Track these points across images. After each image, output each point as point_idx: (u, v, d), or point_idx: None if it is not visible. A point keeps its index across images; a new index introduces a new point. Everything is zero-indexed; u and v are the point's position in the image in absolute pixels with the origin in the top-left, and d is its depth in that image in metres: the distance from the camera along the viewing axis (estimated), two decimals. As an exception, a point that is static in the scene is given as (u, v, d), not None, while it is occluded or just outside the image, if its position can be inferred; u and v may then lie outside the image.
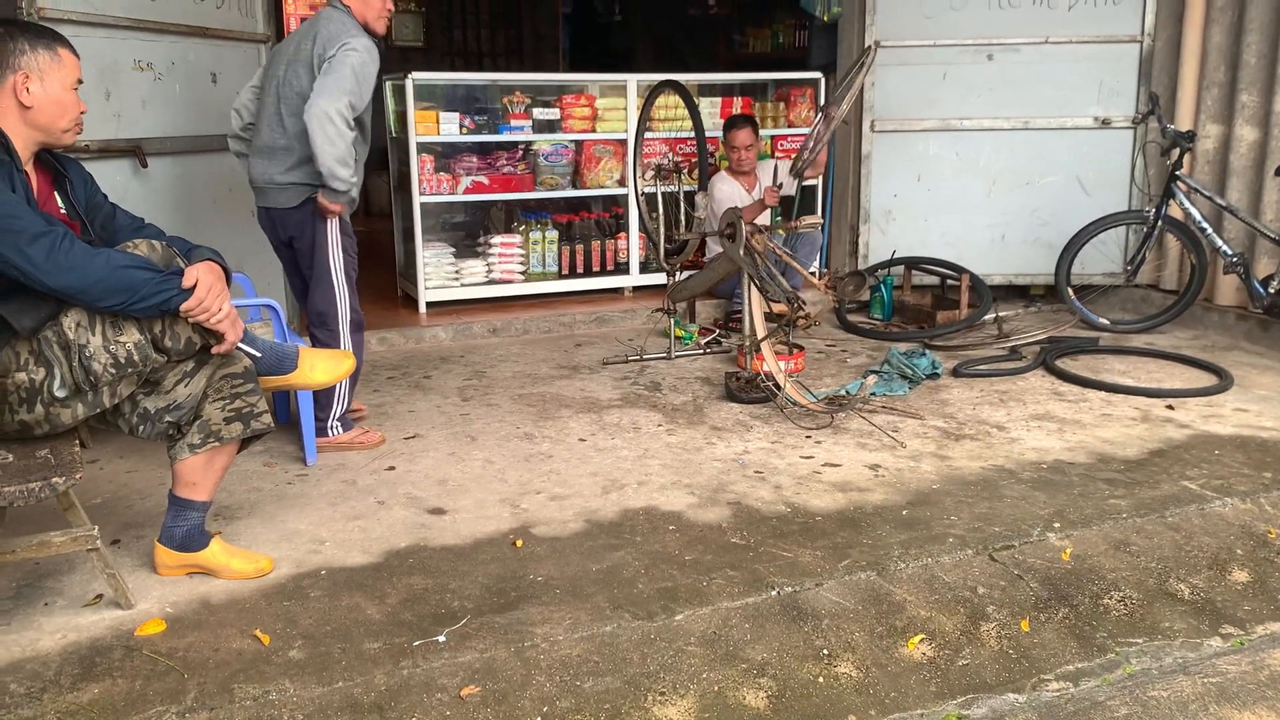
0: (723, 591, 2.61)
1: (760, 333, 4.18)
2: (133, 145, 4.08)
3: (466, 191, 5.69)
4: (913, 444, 3.69)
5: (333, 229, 3.57)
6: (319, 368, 2.78)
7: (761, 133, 6.21)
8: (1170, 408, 4.08)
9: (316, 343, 3.65)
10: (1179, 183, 5.14)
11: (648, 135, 5.67)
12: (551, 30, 11.60)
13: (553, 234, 5.85)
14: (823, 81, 6.25)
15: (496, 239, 5.79)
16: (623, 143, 5.90)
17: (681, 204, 5.02)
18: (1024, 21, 5.75)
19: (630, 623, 2.47)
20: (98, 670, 2.26)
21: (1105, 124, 5.80)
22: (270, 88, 3.54)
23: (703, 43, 10.40)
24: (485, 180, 5.71)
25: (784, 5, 8.44)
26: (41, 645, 2.36)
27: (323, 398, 3.56)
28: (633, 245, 6.00)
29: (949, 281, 5.74)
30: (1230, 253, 5.04)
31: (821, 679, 2.39)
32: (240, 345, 2.59)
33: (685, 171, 5.17)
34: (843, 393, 4.21)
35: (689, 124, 4.95)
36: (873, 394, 4.21)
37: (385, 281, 6.20)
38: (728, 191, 5.39)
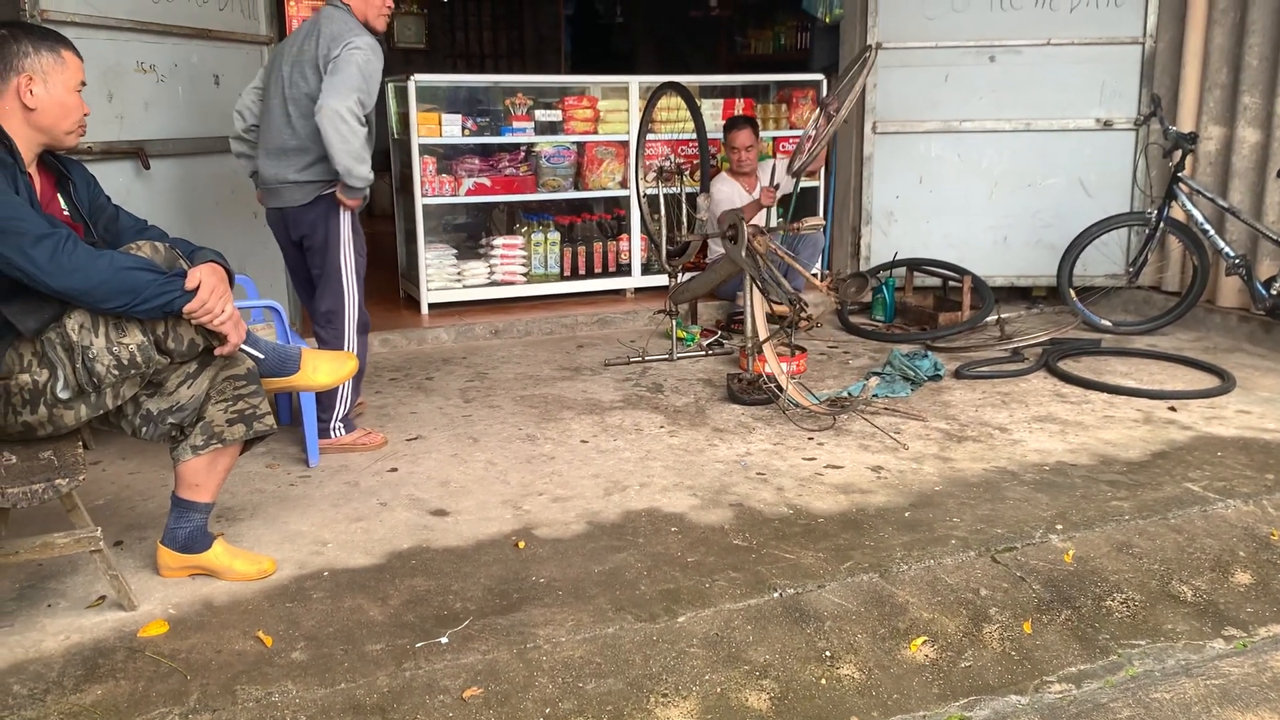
0: (725, 593, 2.61)
1: (762, 334, 4.18)
2: (135, 147, 4.09)
3: (469, 193, 5.70)
4: (915, 446, 3.69)
5: (345, 227, 3.59)
6: (322, 369, 2.78)
7: (764, 134, 6.21)
8: (1173, 409, 4.08)
9: (321, 343, 3.65)
10: (1181, 184, 5.14)
11: (649, 137, 5.67)
12: (553, 32, 11.62)
13: (555, 235, 5.86)
14: (825, 83, 6.25)
15: (498, 240, 5.80)
16: (625, 144, 5.91)
17: (683, 205, 5.03)
18: (1026, 23, 5.75)
19: (632, 624, 2.47)
20: (101, 671, 2.27)
21: (1107, 126, 5.80)
22: (275, 89, 3.55)
23: (704, 44, 10.40)
24: (487, 182, 5.72)
25: (786, 7, 8.44)
26: (45, 646, 2.36)
27: (325, 399, 3.56)
28: (634, 247, 6.00)
29: (951, 283, 5.74)
30: (1232, 254, 5.04)
31: (824, 681, 2.39)
32: (243, 347, 2.59)
33: (687, 173, 5.17)
34: (845, 394, 4.21)
35: (691, 126, 4.95)
36: (875, 395, 4.20)
37: (387, 283, 6.20)
38: (727, 193, 5.40)
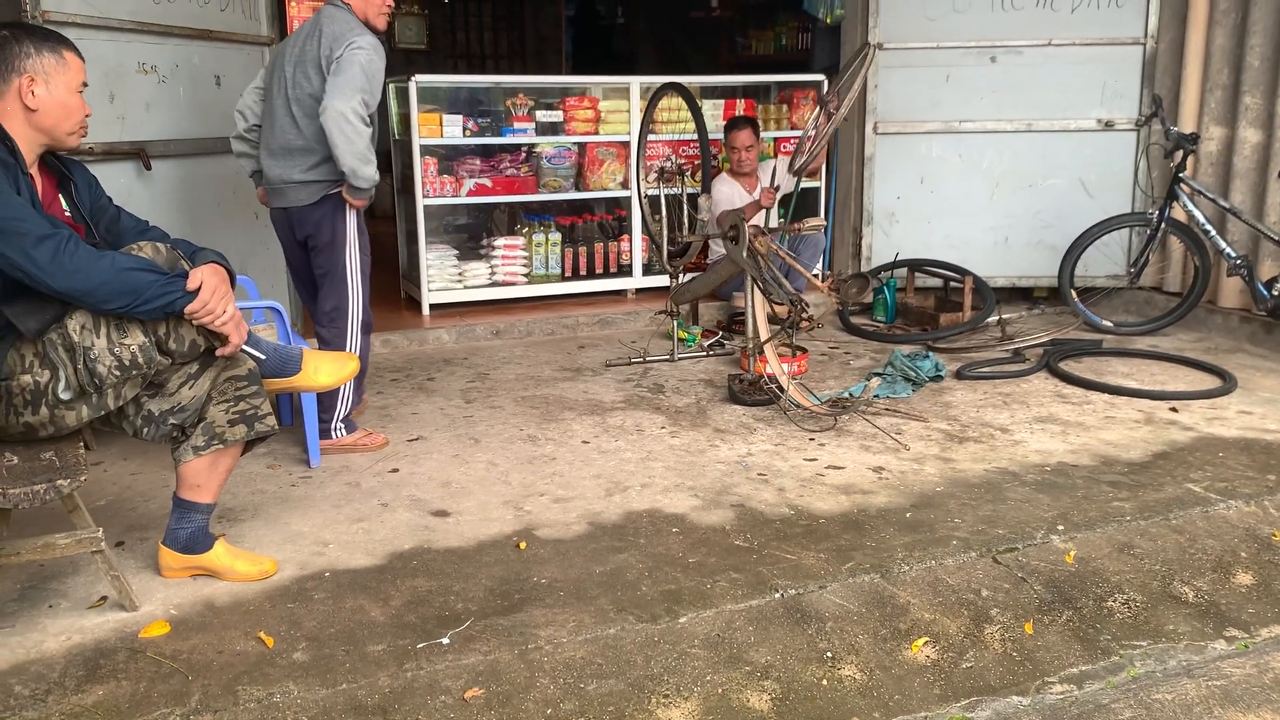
0: (726, 594, 2.61)
1: (763, 335, 4.18)
2: (137, 148, 4.09)
3: (470, 194, 5.70)
4: (916, 446, 3.69)
5: (351, 226, 3.59)
6: (323, 370, 2.78)
7: (765, 135, 6.21)
8: (1174, 410, 4.08)
9: (324, 342, 3.65)
10: (1182, 185, 5.13)
11: (651, 137, 5.67)
12: (554, 33, 11.62)
13: (556, 236, 5.86)
14: (826, 84, 6.25)
15: (499, 241, 5.80)
16: (626, 145, 5.91)
17: (685, 206, 5.03)
18: (1027, 24, 5.75)
19: (634, 625, 2.47)
20: (102, 672, 2.27)
21: (1108, 126, 5.80)
22: (278, 90, 3.55)
23: (705, 45, 10.41)
24: (488, 182, 5.72)
25: (787, 7, 8.45)
26: (46, 647, 2.36)
27: (326, 400, 3.56)
28: (636, 247, 6.00)
29: (952, 284, 5.74)
30: (1234, 255, 5.03)
31: (825, 682, 2.39)
32: (244, 348, 2.59)
33: (688, 174, 5.17)
34: (846, 395, 4.21)
35: (692, 126, 4.95)
36: (876, 396, 4.20)
37: (388, 283, 6.21)
38: (728, 193, 5.39)
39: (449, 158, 5.73)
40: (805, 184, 6.10)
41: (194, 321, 2.40)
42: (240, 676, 2.25)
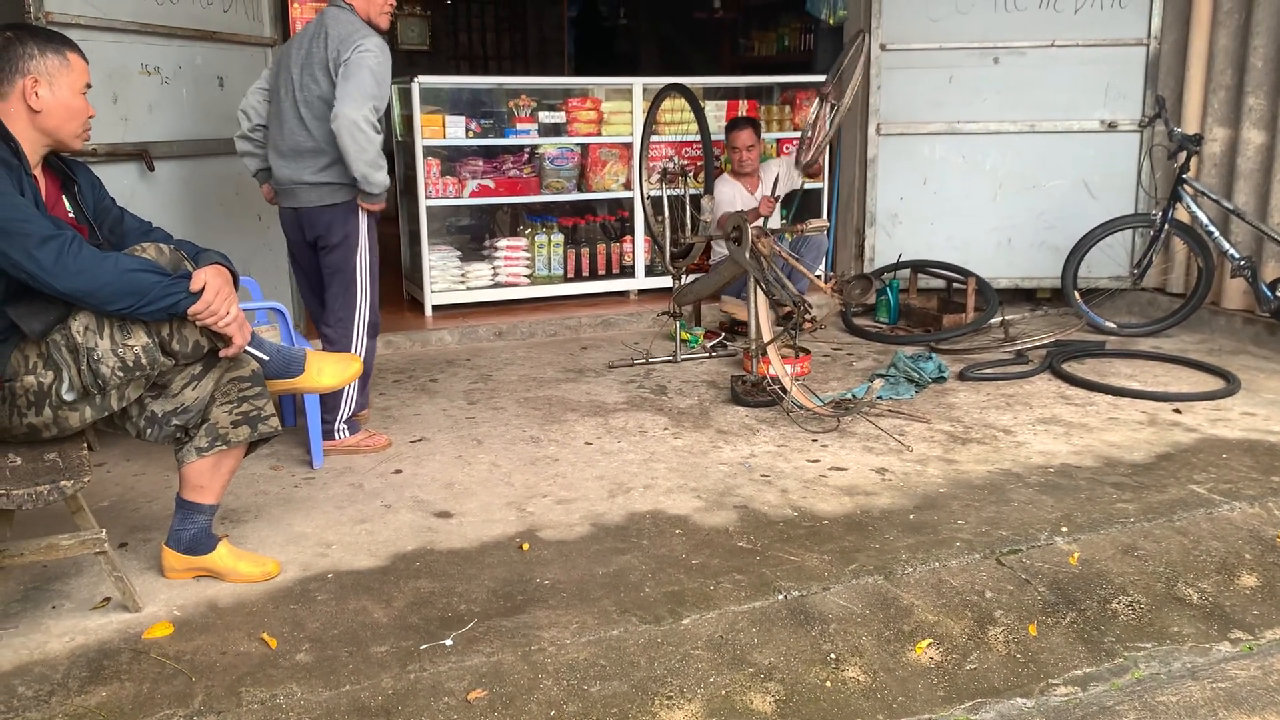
0: (730, 595, 2.61)
1: (766, 336, 4.18)
2: (140, 149, 4.09)
3: (472, 195, 5.70)
4: (919, 448, 3.68)
5: (363, 228, 3.61)
6: (326, 371, 2.78)
7: (768, 136, 6.21)
8: (1177, 411, 4.07)
9: (329, 342, 3.65)
10: (1186, 186, 5.13)
11: (653, 138, 5.67)
12: (557, 34, 11.62)
13: (558, 237, 5.86)
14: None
15: (502, 242, 5.80)
16: (628, 146, 5.91)
17: (687, 207, 5.03)
18: (1030, 24, 5.75)
19: (637, 627, 2.46)
20: (105, 673, 2.27)
21: (1111, 127, 5.80)
22: (285, 92, 3.55)
23: (708, 46, 10.41)
24: (491, 184, 5.72)
25: (789, 8, 8.44)
26: (49, 648, 2.36)
27: (330, 401, 3.56)
28: (638, 249, 6.00)
29: (955, 285, 5.74)
30: (1237, 256, 5.03)
31: (829, 683, 2.39)
32: (248, 349, 2.59)
33: (691, 175, 5.17)
34: (849, 396, 4.21)
35: (695, 127, 4.95)
36: (879, 397, 4.20)
37: (391, 284, 6.19)
38: (729, 194, 5.39)
39: (452, 159, 5.73)
40: (807, 185, 6.11)
41: (197, 322, 2.40)
42: (243, 678, 2.25)
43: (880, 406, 4.12)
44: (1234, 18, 5.30)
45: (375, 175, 3.44)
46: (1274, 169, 5.14)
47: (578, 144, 5.89)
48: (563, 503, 3.21)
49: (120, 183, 3.91)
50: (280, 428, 2.68)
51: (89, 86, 2.48)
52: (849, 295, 4.41)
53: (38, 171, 2.43)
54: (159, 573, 2.70)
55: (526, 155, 5.87)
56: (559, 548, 2.89)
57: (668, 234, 5.02)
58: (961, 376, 4.56)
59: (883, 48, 5.86)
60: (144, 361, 2.38)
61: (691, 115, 5.00)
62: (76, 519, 2.46)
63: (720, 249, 5.39)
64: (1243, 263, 5.01)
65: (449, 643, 2.39)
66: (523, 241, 5.82)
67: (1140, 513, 3.11)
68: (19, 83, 2.35)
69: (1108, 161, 5.82)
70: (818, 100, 5.21)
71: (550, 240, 5.83)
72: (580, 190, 5.98)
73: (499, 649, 2.36)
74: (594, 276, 5.98)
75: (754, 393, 4.20)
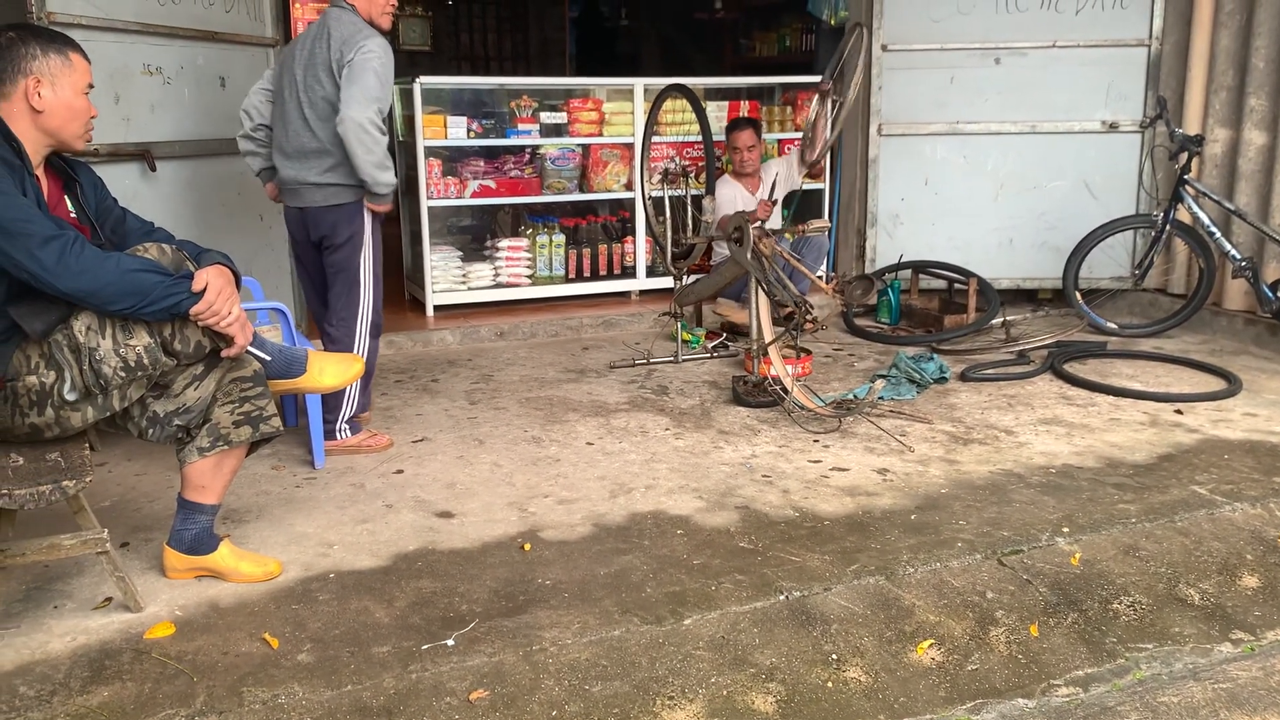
0: (731, 596, 2.61)
1: (767, 337, 4.18)
2: (141, 149, 4.10)
3: (474, 195, 5.70)
4: (921, 448, 3.68)
5: (368, 228, 3.62)
6: (328, 371, 2.78)
7: (769, 136, 6.22)
8: (1179, 412, 4.07)
9: (332, 342, 3.66)
10: (1187, 187, 5.13)
11: (655, 139, 5.67)
12: (558, 34, 11.62)
13: (559, 238, 5.86)
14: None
15: (503, 243, 5.81)
16: (630, 146, 5.91)
17: (689, 208, 5.03)
18: (1031, 25, 5.75)
19: (639, 627, 2.46)
20: (107, 673, 2.27)
21: (1113, 128, 5.80)
22: (290, 93, 3.56)
23: (709, 47, 10.41)
24: (492, 184, 5.72)
25: (791, 9, 8.45)
26: (51, 648, 2.37)
27: (331, 400, 3.57)
28: (639, 249, 6.00)
29: (956, 285, 5.74)
30: (1239, 257, 5.03)
31: (830, 684, 2.39)
32: (250, 349, 2.59)
33: (692, 175, 5.17)
34: (850, 397, 4.21)
35: (696, 128, 4.95)
36: (880, 398, 4.20)
37: (392, 285, 6.19)
38: (729, 195, 5.39)
39: (453, 159, 5.74)
40: (809, 185, 6.11)
41: (199, 323, 2.40)
42: (245, 678, 2.25)
43: (882, 407, 4.12)
44: (1235, 18, 5.30)
45: (382, 176, 3.46)
46: (1275, 170, 5.14)
47: (579, 144, 5.89)
48: (564, 503, 3.21)
49: (122, 183, 3.91)
50: (282, 428, 2.68)
51: (91, 87, 2.48)
52: (850, 296, 4.41)
53: (40, 172, 2.43)
54: (161, 573, 2.70)
55: (528, 156, 5.87)
56: (560, 548, 2.89)
57: (669, 234, 5.02)
58: (963, 377, 4.56)
59: (884, 48, 5.85)
60: (146, 361, 2.38)
61: (693, 116, 5.00)
62: (78, 519, 2.46)
63: (721, 249, 5.39)
64: (1244, 263, 5.01)
65: (451, 643, 2.39)
66: (524, 242, 5.82)
67: (1142, 513, 3.11)
68: (22, 83, 2.35)
69: (1109, 162, 5.82)
70: (817, 98, 5.20)
71: (552, 241, 5.83)
72: (582, 191, 5.99)
73: (500, 649, 2.37)
74: (595, 277, 5.98)
75: (755, 393, 4.20)
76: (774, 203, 5.24)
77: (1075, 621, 2.67)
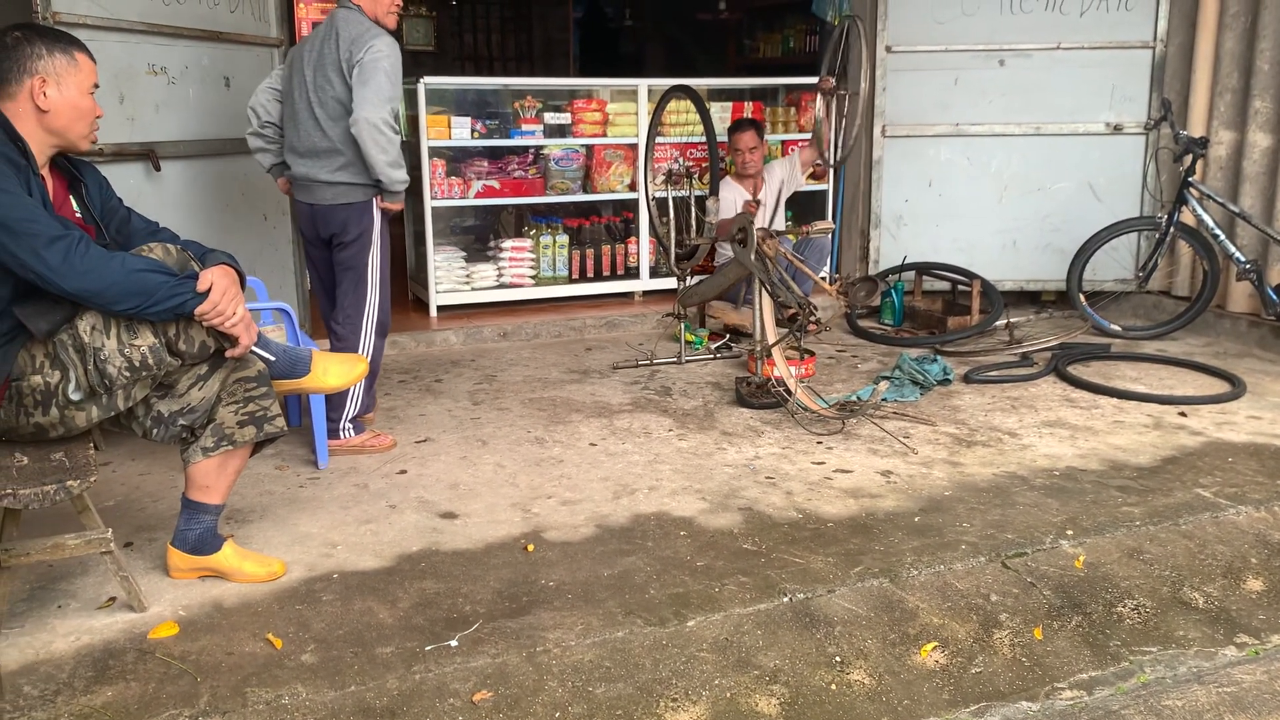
0: (734, 598, 2.60)
1: (771, 338, 4.18)
2: (146, 149, 4.10)
3: (477, 196, 5.71)
4: (924, 450, 3.68)
5: (378, 227, 3.64)
6: (332, 371, 2.78)
7: (772, 138, 6.22)
8: (1183, 415, 4.07)
9: (338, 340, 3.67)
10: (1191, 189, 5.12)
11: (658, 140, 5.67)
12: (562, 35, 11.62)
13: (563, 238, 5.86)
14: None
15: (507, 243, 5.81)
16: (633, 147, 5.91)
17: (692, 209, 5.02)
18: (1036, 27, 5.74)
19: (642, 628, 2.46)
20: (111, 673, 2.27)
21: (1117, 130, 5.79)
22: (299, 93, 3.57)
23: (713, 47, 10.41)
24: (496, 184, 5.73)
25: (795, 10, 8.45)
26: (55, 648, 2.37)
27: (335, 401, 3.57)
28: (643, 250, 6.00)
29: (960, 287, 5.73)
30: (1243, 259, 5.02)
31: (834, 686, 2.38)
32: (254, 349, 2.59)
33: (696, 176, 5.17)
34: (854, 398, 4.21)
35: (700, 129, 4.95)
36: (884, 400, 4.20)
37: (396, 285, 6.17)
38: (730, 197, 5.38)
39: (457, 159, 5.74)
40: (811, 186, 6.12)
41: (204, 323, 2.40)
42: (249, 678, 2.25)
43: (885, 409, 4.12)
44: (1240, 21, 5.29)
45: (397, 174, 3.52)
46: (1280, 172, 5.14)
47: (583, 145, 5.89)
48: (568, 504, 3.21)
49: (127, 183, 3.91)
50: (286, 428, 2.68)
51: (96, 86, 2.48)
52: (854, 297, 4.41)
53: (45, 171, 2.43)
54: (164, 572, 2.70)
55: (531, 156, 5.87)
56: (564, 549, 2.89)
57: (673, 235, 5.02)
58: (966, 379, 4.56)
59: (888, 50, 5.85)
60: (150, 361, 2.38)
61: (696, 117, 5.00)
62: (82, 519, 2.46)
63: (725, 250, 5.39)
64: (1248, 266, 5.00)
65: (454, 644, 2.39)
66: (528, 242, 5.82)
67: (1146, 516, 3.10)
68: (27, 83, 2.35)
69: (1113, 164, 5.81)
70: (819, 96, 5.19)
71: (555, 241, 5.84)
72: (585, 191, 5.99)
73: (504, 650, 2.36)
74: (599, 278, 5.99)
75: (759, 394, 4.19)
76: (759, 203, 5.23)
77: (1079, 624, 2.67)
